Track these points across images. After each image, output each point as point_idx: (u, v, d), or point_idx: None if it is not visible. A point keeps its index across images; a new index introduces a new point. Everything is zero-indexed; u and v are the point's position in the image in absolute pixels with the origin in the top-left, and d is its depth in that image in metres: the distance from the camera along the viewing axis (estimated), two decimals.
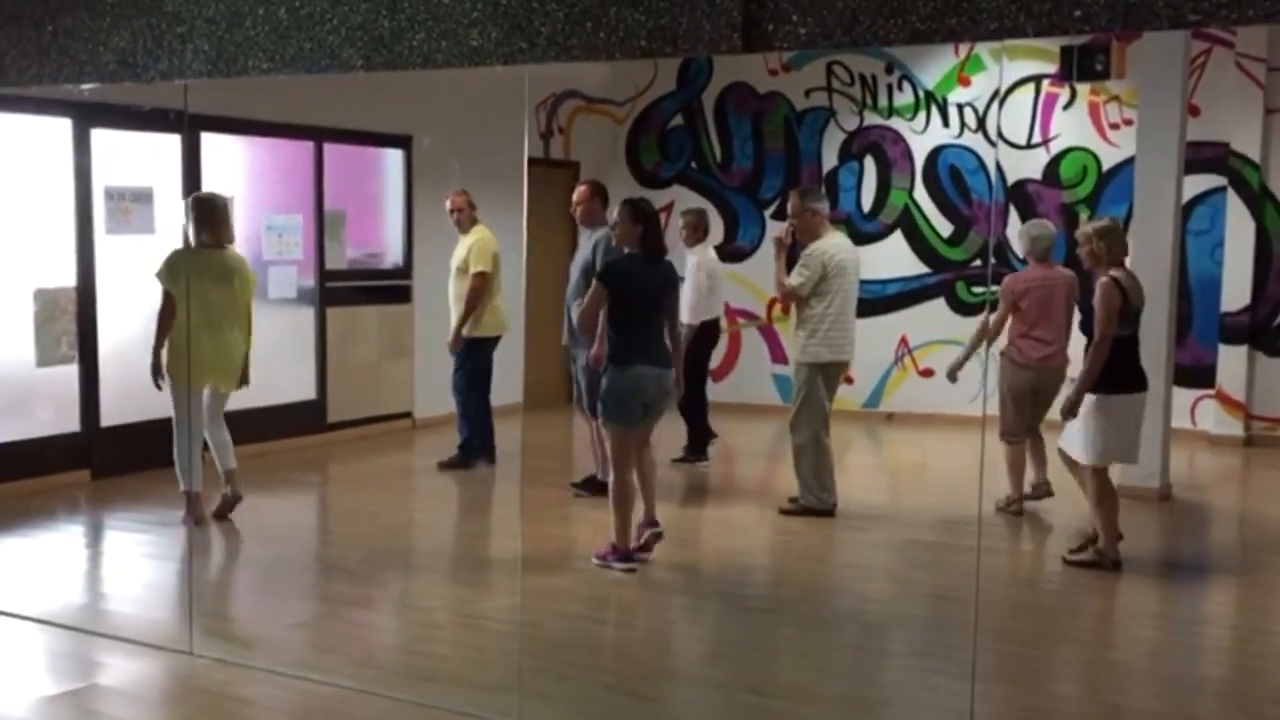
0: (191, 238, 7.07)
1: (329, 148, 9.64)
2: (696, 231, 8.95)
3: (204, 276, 6.97)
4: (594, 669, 5.23)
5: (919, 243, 11.26)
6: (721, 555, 7.11)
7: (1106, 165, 10.58)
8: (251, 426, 7.54)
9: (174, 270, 6.96)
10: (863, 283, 11.02)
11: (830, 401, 7.49)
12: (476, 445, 8.58)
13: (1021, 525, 7.39)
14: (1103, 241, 6.47)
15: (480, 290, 8.31)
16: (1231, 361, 10.17)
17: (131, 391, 8.30)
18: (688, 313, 8.35)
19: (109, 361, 8.31)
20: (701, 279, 8.69)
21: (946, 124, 11.16)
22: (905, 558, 7.10)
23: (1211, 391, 10.20)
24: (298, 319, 9.50)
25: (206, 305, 6.95)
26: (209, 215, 7.10)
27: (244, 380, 7.22)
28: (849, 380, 8.07)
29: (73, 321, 8.16)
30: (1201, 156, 9.80)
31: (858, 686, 5.12)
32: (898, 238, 11.29)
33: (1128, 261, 6.64)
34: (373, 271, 10.26)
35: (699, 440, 8.91)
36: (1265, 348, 10.18)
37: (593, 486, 7.52)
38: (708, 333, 8.81)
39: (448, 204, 8.56)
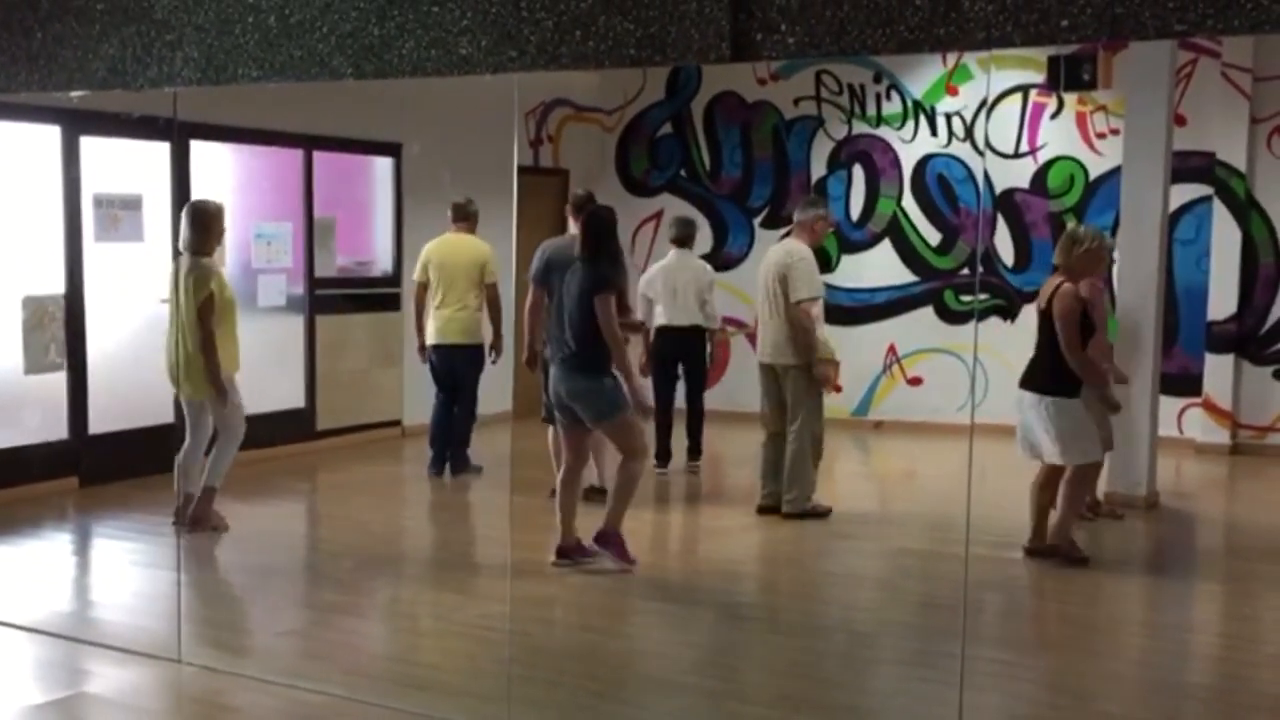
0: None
1: (318, 155, 9.64)
2: (674, 239, 9.00)
3: (176, 284, 7.01)
4: (584, 677, 5.23)
5: (907, 251, 11.29)
6: (710, 563, 7.12)
7: (1093, 174, 10.63)
8: None
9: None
10: (851, 291, 11.20)
11: (788, 404, 7.63)
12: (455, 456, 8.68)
13: (1011, 532, 7.40)
14: None
15: (415, 297, 8.63)
16: (1218, 370, 10.20)
17: (120, 399, 8.32)
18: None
19: (97, 369, 8.30)
20: (640, 286, 8.82)
21: (934, 133, 11.19)
22: (894, 565, 7.11)
23: (1198, 400, 10.23)
24: (287, 327, 9.49)
25: (175, 313, 7.01)
26: (186, 222, 7.09)
27: (217, 391, 6.96)
28: (837, 389, 8.10)
29: (61, 329, 8.15)
30: (1188, 166, 9.84)
31: (846, 695, 5.13)
32: (886, 246, 11.32)
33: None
34: (362, 279, 10.26)
35: (663, 449, 8.89)
36: (1252, 356, 10.22)
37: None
38: (658, 340, 8.77)
39: None
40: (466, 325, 8.48)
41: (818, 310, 7.54)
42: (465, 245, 8.50)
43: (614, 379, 6.37)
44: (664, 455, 8.87)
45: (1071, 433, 6.58)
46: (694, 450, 9.00)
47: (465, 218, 8.55)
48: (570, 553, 6.48)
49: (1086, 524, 7.34)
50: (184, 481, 7.07)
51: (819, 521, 7.55)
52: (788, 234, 7.99)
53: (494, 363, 8.49)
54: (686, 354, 8.88)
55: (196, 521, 7.08)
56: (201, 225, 7.05)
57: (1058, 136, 10.77)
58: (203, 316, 6.88)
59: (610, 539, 6.43)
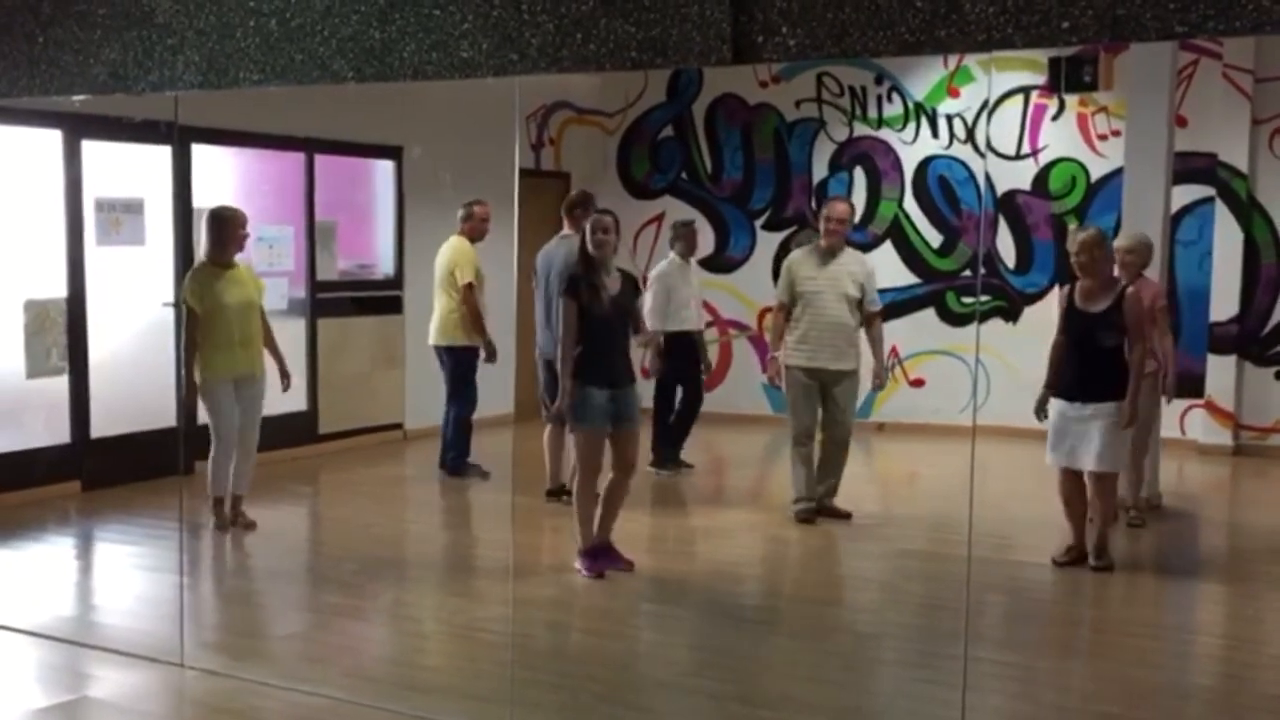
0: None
1: (320, 159, 9.64)
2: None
3: None
4: (586, 679, 5.23)
5: (909, 253, 11.29)
6: (713, 565, 7.11)
7: (1095, 176, 10.62)
8: None
9: None
10: None
11: None
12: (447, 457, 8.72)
13: (1013, 534, 7.40)
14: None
15: None
16: (1220, 371, 10.19)
17: (122, 403, 8.32)
18: None
19: (99, 373, 8.30)
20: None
21: (936, 135, 11.19)
22: (896, 567, 7.10)
23: (1200, 401, 10.22)
24: (289, 330, 9.46)
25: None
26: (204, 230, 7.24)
27: (191, 395, 7.18)
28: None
29: (63, 333, 8.15)
30: (1189, 167, 9.84)
31: (849, 697, 5.13)
32: (887, 248, 11.31)
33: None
34: (364, 282, 10.26)
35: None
36: (1254, 357, 10.21)
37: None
38: (666, 345, 8.73)
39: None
40: (441, 326, 8.54)
41: (778, 314, 7.68)
42: (448, 248, 8.53)
43: (577, 386, 6.31)
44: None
45: None
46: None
47: (461, 220, 8.57)
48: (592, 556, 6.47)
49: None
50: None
51: (821, 523, 7.54)
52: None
53: (486, 361, 8.48)
54: (658, 360, 8.81)
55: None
56: (208, 231, 7.20)
57: (1059, 138, 10.76)
58: (187, 322, 7.01)
59: (579, 555, 6.46)
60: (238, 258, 7.31)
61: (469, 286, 8.37)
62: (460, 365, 8.53)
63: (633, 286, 6.54)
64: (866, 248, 11.26)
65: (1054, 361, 6.70)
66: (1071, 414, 6.53)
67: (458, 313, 8.44)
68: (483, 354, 8.45)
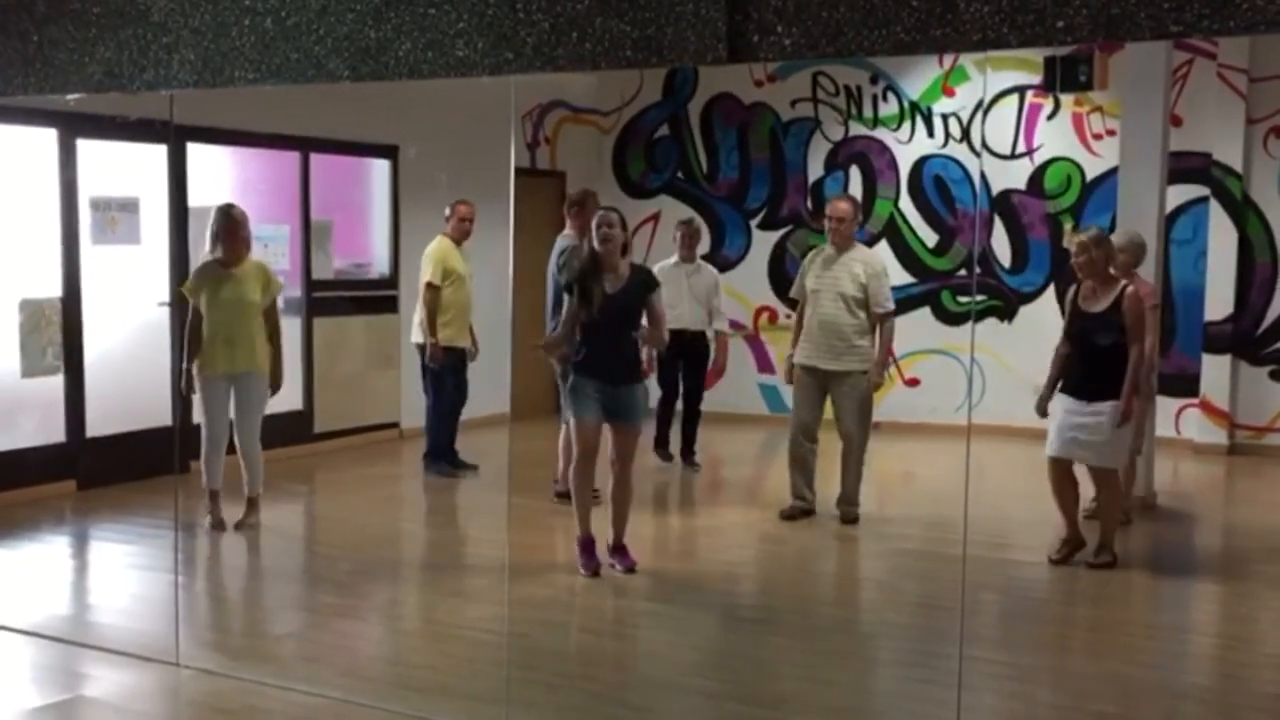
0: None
1: (315, 158, 9.63)
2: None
3: None
4: (583, 679, 5.23)
5: (904, 252, 11.29)
6: (711, 564, 7.11)
7: (1090, 175, 10.63)
8: None
9: None
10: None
11: None
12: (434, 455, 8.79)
13: (1008, 533, 7.41)
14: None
15: None
16: (1215, 370, 10.20)
17: (117, 402, 8.31)
18: None
19: (94, 372, 8.30)
20: None
21: (931, 134, 11.20)
22: (892, 566, 7.11)
23: (1195, 400, 10.23)
24: (284, 329, 9.45)
25: None
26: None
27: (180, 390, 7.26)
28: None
29: (58, 332, 8.14)
30: (1184, 166, 9.85)
31: (846, 696, 5.13)
32: (883, 248, 11.29)
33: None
34: (359, 281, 10.26)
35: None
36: (1248, 357, 10.22)
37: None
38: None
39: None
40: (417, 324, 8.60)
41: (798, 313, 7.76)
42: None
43: (566, 380, 6.41)
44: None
45: None
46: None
47: (445, 220, 8.58)
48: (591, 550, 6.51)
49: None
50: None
51: (817, 522, 7.55)
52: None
53: (429, 361, 8.51)
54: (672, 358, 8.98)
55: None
56: (210, 230, 7.21)
57: (1054, 137, 10.77)
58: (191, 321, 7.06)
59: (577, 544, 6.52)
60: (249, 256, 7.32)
61: (428, 286, 8.40)
62: (424, 361, 8.59)
63: (643, 283, 6.43)
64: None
65: (1056, 362, 6.75)
66: (1075, 410, 6.56)
67: (422, 310, 8.49)
68: (427, 353, 8.47)
